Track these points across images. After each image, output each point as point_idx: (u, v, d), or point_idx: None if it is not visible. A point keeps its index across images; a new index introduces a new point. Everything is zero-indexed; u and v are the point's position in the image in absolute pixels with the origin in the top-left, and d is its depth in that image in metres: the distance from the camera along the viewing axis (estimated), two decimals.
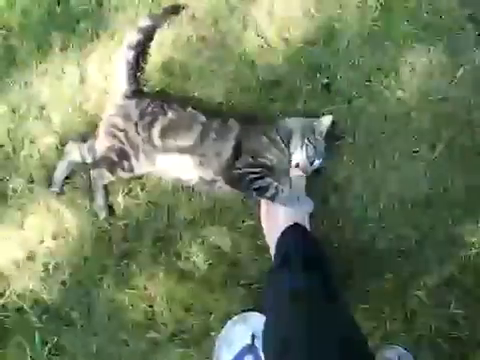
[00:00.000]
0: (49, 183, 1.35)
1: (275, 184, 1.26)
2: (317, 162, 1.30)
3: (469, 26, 1.40)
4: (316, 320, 0.98)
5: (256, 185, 1.26)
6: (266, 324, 1.08)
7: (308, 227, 1.28)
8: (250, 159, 1.28)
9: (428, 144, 1.37)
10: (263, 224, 1.32)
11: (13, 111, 1.38)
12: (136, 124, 1.29)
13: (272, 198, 1.25)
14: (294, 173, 1.30)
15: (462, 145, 1.36)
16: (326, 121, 1.30)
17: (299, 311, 1.03)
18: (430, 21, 1.40)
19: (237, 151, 1.29)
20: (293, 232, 1.26)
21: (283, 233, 1.26)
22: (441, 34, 1.39)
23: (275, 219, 1.28)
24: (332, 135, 1.34)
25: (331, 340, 0.94)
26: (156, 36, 1.39)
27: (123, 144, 1.29)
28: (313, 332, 0.95)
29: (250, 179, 1.26)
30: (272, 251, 1.29)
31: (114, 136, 1.30)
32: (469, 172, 1.36)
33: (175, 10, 1.39)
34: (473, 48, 1.40)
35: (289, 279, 1.15)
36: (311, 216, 1.29)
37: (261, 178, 1.26)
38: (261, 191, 1.26)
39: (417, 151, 1.37)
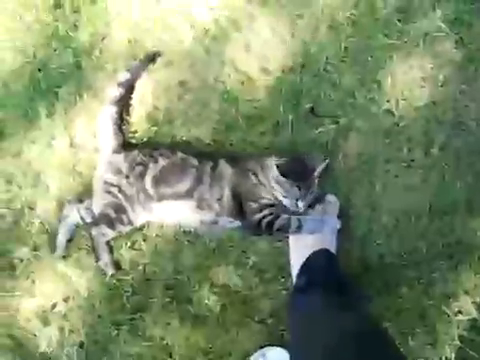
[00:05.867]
0: (53, 248, 1.36)
1: (294, 218, 1.25)
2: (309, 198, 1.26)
3: (444, 26, 1.39)
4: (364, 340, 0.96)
5: (276, 226, 1.25)
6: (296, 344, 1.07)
7: (334, 247, 1.27)
8: (253, 205, 1.27)
9: (422, 151, 1.35)
10: (292, 254, 1.30)
11: (9, 182, 1.40)
12: (128, 177, 1.31)
13: (298, 231, 1.25)
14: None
15: (456, 146, 1.34)
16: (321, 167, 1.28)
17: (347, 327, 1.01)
18: (404, 28, 1.38)
19: (237, 195, 1.28)
20: (319, 256, 1.25)
21: (308, 258, 1.25)
22: (417, 39, 1.38)
23: (304, 248, 1.27)
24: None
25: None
26: (137, 87, 1.41)
27: (118, 199, 1.30)
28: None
29: (267, 223, 1.25)
30: (294, 274, 1.28)
31: (108, 192, 1.31)
32: (467, 172, 1.34)
33: (151, 59, 1.41)
34: (453, 48, 1.38)
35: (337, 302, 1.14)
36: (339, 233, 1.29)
37: (277, 218, 1.25)
38: (284, 230, 1.25)
39: (413, 160, 1.35)
